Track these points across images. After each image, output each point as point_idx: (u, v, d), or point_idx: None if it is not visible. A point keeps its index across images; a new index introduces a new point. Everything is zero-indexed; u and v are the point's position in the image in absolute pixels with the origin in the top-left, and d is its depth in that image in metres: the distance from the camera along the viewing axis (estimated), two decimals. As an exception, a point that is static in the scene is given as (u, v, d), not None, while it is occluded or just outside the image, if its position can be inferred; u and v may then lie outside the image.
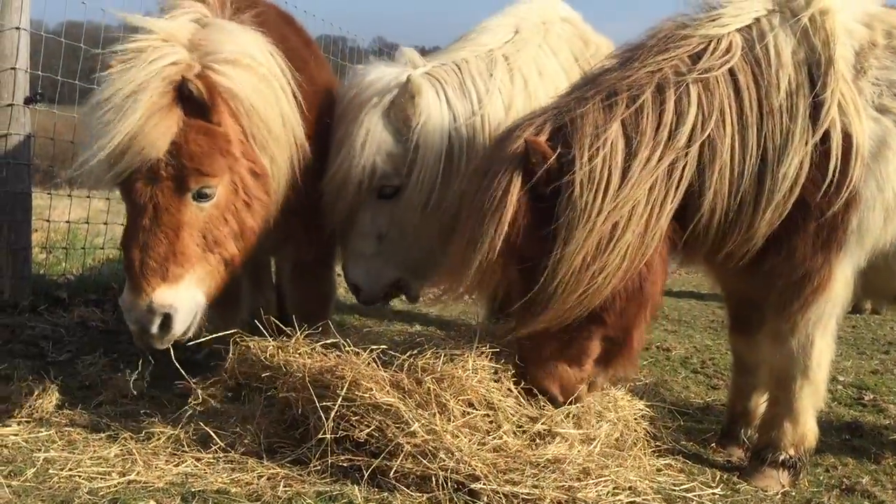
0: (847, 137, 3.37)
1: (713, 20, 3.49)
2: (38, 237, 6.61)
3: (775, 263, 3.51)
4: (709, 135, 3.31)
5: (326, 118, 4.42)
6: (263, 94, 3.82)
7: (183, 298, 3.49)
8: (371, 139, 4.14)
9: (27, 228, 5.75)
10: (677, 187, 3.31)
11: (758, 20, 3.48)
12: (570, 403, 3.46)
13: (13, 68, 5.50)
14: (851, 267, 3.59)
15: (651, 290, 3.45)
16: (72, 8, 6.07)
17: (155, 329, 3.43)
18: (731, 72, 3.37)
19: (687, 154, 3.30)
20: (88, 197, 6.94)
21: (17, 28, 5.48)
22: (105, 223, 7.08)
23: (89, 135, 3.46)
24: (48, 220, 6.55)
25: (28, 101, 5.62)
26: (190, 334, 3.62)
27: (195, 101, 3.48)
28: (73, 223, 6.96)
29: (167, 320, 3.45)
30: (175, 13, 3.79)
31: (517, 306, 3.37)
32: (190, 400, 3.64)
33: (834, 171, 3.35)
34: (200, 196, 3.54)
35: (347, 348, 3.37)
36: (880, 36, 3.60)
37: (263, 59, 3.87)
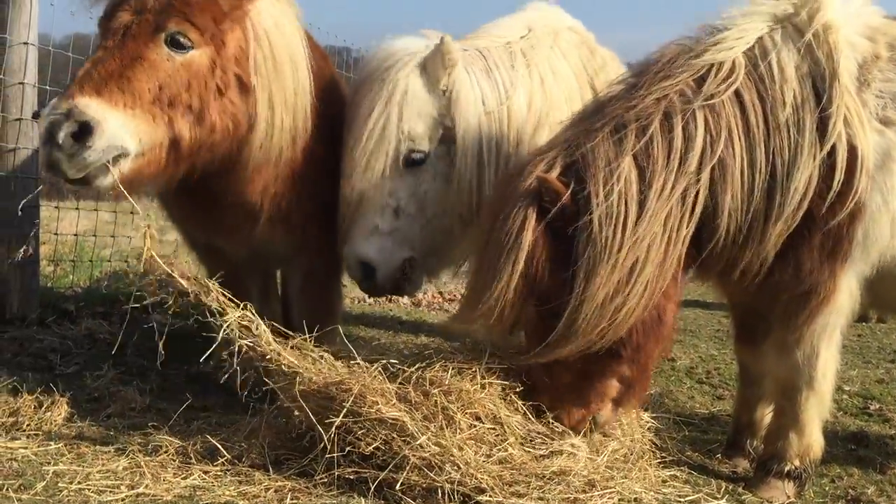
0: (852, 150, 3.39)
1: (717, 44, 3.48)
2: (46, 250, 6.65)
3: (782, 276, 3.52)
4: (719, 156, 3.31)
5: (339, 125, 4.44)
6: (281, 33, 3.87)
7: (110, 120, 3.24)
8: (409, 98, 4.00)
9: (35, 242, 5.78)
10: (692, 212, 3.32)
11: (760, 38, 3.49)
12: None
13: (21, 83, 5.54)
14: (856, 278, 3.60)
15: (668, 318, 3.45)
16: (79, 20, 6.11)
17: (64, 136, 3.14)
18: (737, 92, 3.39)
19: (699, 178, 3.30)
20: (96, 210, 6.98)
21: (26, 43, 5.53)
22: (112, 236, 7.12)
23: None
24: (56, 234, 6.59)
25: (36, 115, 5.65)
26: (103, 182, 3.35)
27: None
28: (80, 236, 6.99)
29: (83, 133, 3.19)
30: None
31: (533, 341, 3.37)
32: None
33: (840, 184, 3.37)
34: (174, 43, 3.48)
35: (355, 360, 3.38)
36: (883, 48, 3.62)
37: (289, 19, 3.97)
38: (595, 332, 3.21)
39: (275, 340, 3.43)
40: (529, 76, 4.40)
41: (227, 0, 3.62)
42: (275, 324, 3.63)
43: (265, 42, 3.80)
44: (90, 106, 3.20)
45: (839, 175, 3.36)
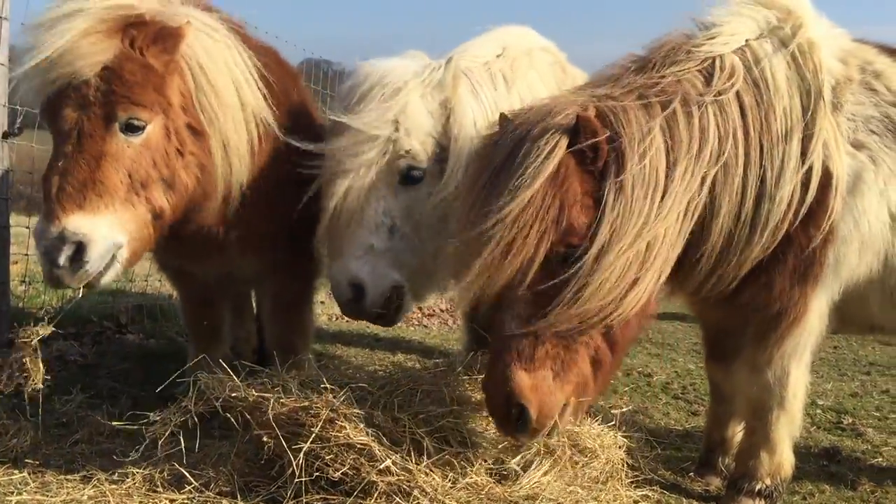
0: (827, 172, 3.42)
1: (713, 37, 3.49)
2: (18, 269, 6.57)
3: (753, 295, 3.53)
4: (726, 156, 3.28)
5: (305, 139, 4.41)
6: (215, 60, 3.80)
7: (99, 230, 3.33)
8: (411, 116, 3.89)
9: (5, 262, 5.71)
10: (695, 209, 3.26)
11: (749, 44, 3.50)
12: (542, 433, 3.15)
13: (-9, 103, 5.49)
14: (826, 300, 3.62)
15: (652, 310, 3.35)
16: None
17: (63, 260, 3.26)
18: (738, 93, 3.38)
19: (706, 174, 3.25)
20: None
21: (-4, 63, 5.48)
22: (85, 254, 7.04)
23: (22, 54, 3.43)
24: (27, 254, 6.51)
25: (6, 135, 5.61)
26: (106, 279, 3.48)
27: (138, 37, 3.47)
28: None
29: (79, 252, 3.30)
30: None
31: (536, 297, 3.04)
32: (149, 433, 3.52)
33: (812, 204, 3.39)
34: (129, 128, 3.46)
35: (323, 385, 3.35)
36: (855, 71, 3.66)
37: (221, 34, 3.88)
38: (609, 298, 3.01)
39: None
40: (509, 95, 4.36)
41: (159, 59, 3.56)
42: (244, 362, 3.67)
43: (202, 78, 3.75)
44: (77, 224, 3.27)
45: (811, 194, 3.38)
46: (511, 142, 3.14)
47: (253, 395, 3.38)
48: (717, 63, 3.42)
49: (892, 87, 3.63)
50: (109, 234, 3.38)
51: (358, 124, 3.84)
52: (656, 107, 3.24)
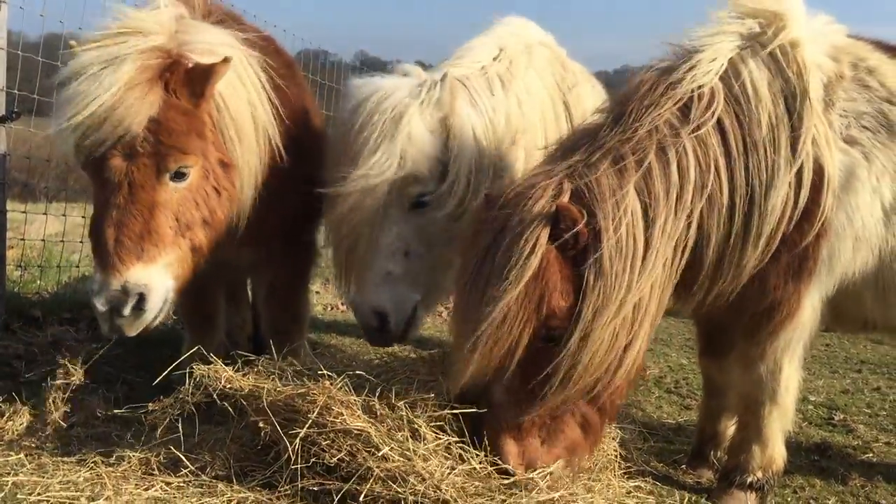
0: (820, 169, 3.43)
1: (692, 69, 3.44)
2: (14, 254, 6.57)
3: (747, 292, 3.54)
4: (710, 190, 3.29)
5: (304, 138, 4.44)
6: (236, 90, 3.83)
7: (157, 279, 3.47)
8: (413, 142, 3.89)
9: (2, 248, 5.71)
10: (684, 248, 3.29)
11: (731, 59, 3.48)
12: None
13: (-11, 87, 5.48)
14: (819, 295, 3.65)
15: (640, 359, 3.38)
16: (49, 23, 6.06)
17: (128, 311, 3.38)
18: (718, 119, 3.37)
19: (691, 213, 3.28)
20: (64, 215, 6.91)
21: (-6, 47, 5.47)
22: (81, 241, 7.05)
23: (60, 104, 3.41)
24: (23, 238, 6.51)
25: (3, 119, 5.60)
26: (157, 322, 3.59)
27: (177, 82, 3.49)
28: (48, 240, 6.92)
29: (141, 302, 3.42)
30: (156, 7, 3.77)
31: (525, 380, 3.17)
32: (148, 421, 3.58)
33: (806, 202, 3.40)
34: (177, 176, 3.53)
35: (320, 372, 3.37)
36: (847, 68, 3.67)
37: (238, 57, 3.88)
38: (598, 373, 3.13)
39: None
40: (506, 98, 4.37)
41: (197, 102, 3.59)
42: (239, 352, 3.73)
43: (225, 111, 3.78)
44: (138, 276, 3.40)
45: (805, 193, 3.39)
46: (491, 234, 3.22)
47: (250, 384, 3.40)
48: (696, 95, 3.39)
49: (886, 83, 3.65)
50: (164, 280, 3.52)
51: (365, 170, 3.85)
52: (630, 168, 3.25)
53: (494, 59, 4.57)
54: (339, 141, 4.11)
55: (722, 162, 3.33)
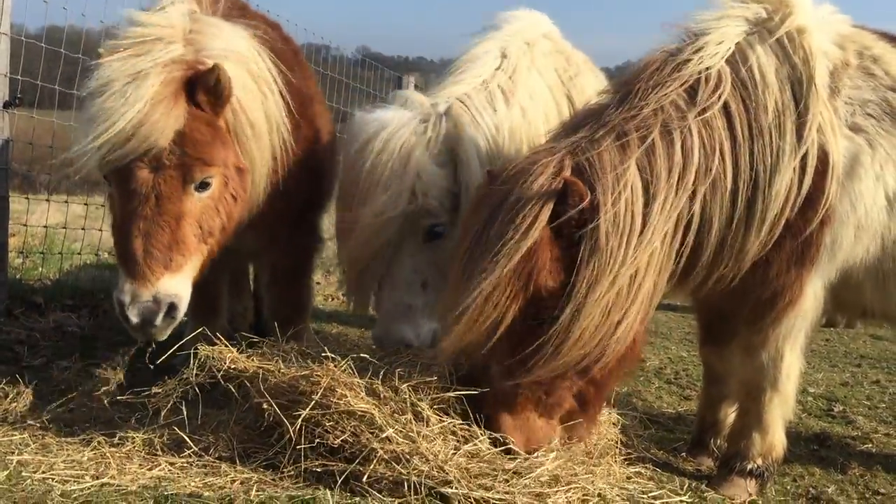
0: (824, 156, 3.44)
1: (699, 50, 3.45)
2: (16, 242, 6.58)
3: (750, 279, 3.55)
4: (714, 174, 3.30)
5: (310, 126, 4.45)
6: (251, 92, 3.86)
7: (184, 286, 3.57)
8: (423, 177, 3.94)
9: (3, 232, 5.72)
10: (686, 229, 3.30)
11: (738, 43, 3.49)
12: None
13: (-7, 72, 5.49)
14: (822, 282, 3.66)
15: (639, 339, 3.41)
16: (53, 12, 6.09)
17: (160, 320, 3.46)
18: (724, 102, 3.37)
19: (694, 195, 3.28)
20: (66, 202, 6.92)
21: (-2, 32, 5.47)
22: (83, 228, 7.06)
23: (85, 121, 3.43)
24: (25, 225, 6.52)
25: (7, 105, 5.61)
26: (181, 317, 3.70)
27: (199, 92, 3.53)
28: (50, 228, 6.94)
29: (171, 310, 3.51)
30: (166, 5, 3.80)
31: (513, 354, 3.19)
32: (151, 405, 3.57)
33: (810, 189, 3.41)
34: (201, 186, 3.58)
35: (324, 354, 3.38)
36: (852, 56, 3.68)
37: (252, 57, 3.91)
38: (589, 347, 3.13)
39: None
40: (510, 111, 4.39)
41: (217, 110, 3.64)
42: (243, 334, 3.74)
43: (241, 114, 3.81)
44: (167, 285, 3.49)
45: (808, 180, 3.39)
46: (489, 209, 3.23)
47: (254, 364, 3.42)
48: (703, 77, 3.39)
49: (891, 72, 3.66)
50: (189, 285, 3.62)
51: (378, 208, 3.90)
52: (633, 144, 3.25)
53: (497, 68, 4.60)
54: (349, 179, 4.14)
55: (727, 146, 3.33)
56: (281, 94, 4.05)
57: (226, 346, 3.56)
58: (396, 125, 4.04)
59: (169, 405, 3.43)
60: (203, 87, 3.55)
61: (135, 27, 3.58)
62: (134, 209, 3.46)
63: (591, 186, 3.16)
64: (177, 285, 3.51)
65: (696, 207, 3.30)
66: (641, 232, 3.17)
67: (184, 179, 3.52)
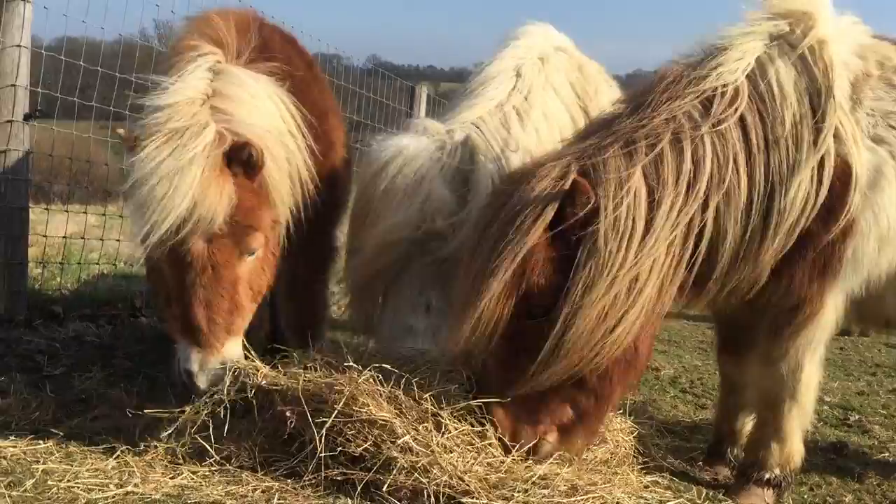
0: (847, 167, 3.43)
1: (718, 66, 3.46)
2: (34, 252, 6.65)
3: (770, 289, 3.55)
4: (727, 185, 3.29)
5: (326, 141, 4.50)
6: (278, 159, 3.96)
7: (241, 345, 3.70)
8: (434, 201, 3.99)
9: (24, 243, 5.80)
10: (697, 240, 3.29)
11: (758, 57, 3.49)
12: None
13: (13, 85, 5.57)
14: (843, 294, 3.65)
15: (644, 351, 3.40)
16: (71, 24, 6.19)
17: (227, 382, 3.53)
18: (741, 116, 3.37)
19: (706, 206, 3.27)
20: (84, 213, 6.99)
21: (18, 46, 5.56)
22: (100, 239, 7.13)
23: (137, 208, 3.52)
24: (44, 236, 6.59)
25: (27, 117, 5.69)
26: None
27: (241, 164, 3.64)
28: (68, 238, 7.01)
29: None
30: (191, 60, 3.87)
31: (514, 360, 3.24)
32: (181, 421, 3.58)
33: (827, 198, 3.40)
34: (252, 252, 3.71)
35: (348, 364, 3.41)
36: (873, 67, 3.68)
37: (278, 124, 4.02)
38: (584, 351, 3.13)
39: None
40: (524, 132, 4.41)
41: (256, 178, 3.76)
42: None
43: (273, 171, 3.90)
44: (231, 350, 3.63)
45: (825, 190, 3.38)
46: (492, 210, 3.29)
47: (282, 377, 3.44)
48: (720, 92, 3.40)
49: None
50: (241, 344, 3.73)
51: (388, 227, 3.96)
52: (641, 151, 3.27)
53: (512, 89, 4.64)
54: (363, 201, 4.20)
55: (742, 157, 3.33)
56: (302, 132, 4.14)
57: (258, 361, 3.61)
58: (413, 151, 4.10)
59: (198, 422, 3.45)
60: (239, 160, 3.65)
61: (161, 113, 3.63)
62: (192, 280, 3.55)
63: (594, 190, 3.18)
64: (237, 347, 3.65)
65: (709, 217, 3.29)
66: (643, 238, 3.17)
67: (240, 250, 3.65)
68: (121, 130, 3.74)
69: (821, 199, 3.39)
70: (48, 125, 6.31)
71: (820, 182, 3.40)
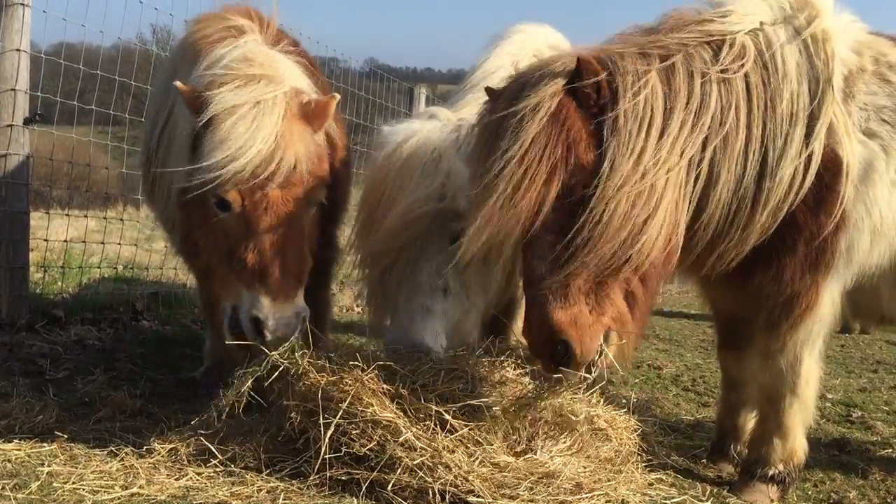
0: (837, 159, 3.45)
1: (725, 16, 3.50)
2: (35, 256, 6.66)
3: (764, 282, 3.56)
4: (727, 128, 3.30)
5: (331, 139, 4.51)
6: None
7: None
8: (453, 178, 3.94)
9: (25, 247, 5.80)
10: (695, 179, 3.29)
11: (763, 27, 3.50)
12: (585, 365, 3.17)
13: (13, 89, 5.58)
14: (839, 288, 3.66)
15: (672, 256, 3.32)
16: (69, 29, 6.23)
17: (298, 333, 3.51)
18: (746, 73, 3.38)
19: (707, 141, 3.27)
20: (85, 217, 7.00)
21: (18, 50, 5.57)
22: (101, 243, 7.14)
23: (215, 142, 3.46)
24: (45, 240, 6.60)
25: (27, 121, 5.69)
26: None
27: (310, 119, 3.68)
28: (69, 242, 7.02)
29: (304, 322, 3.61)
30: (243, 42, 3.89)
31: (547, 246, 3.10)
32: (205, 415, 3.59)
33: (826, 192, 3.42)
34: (318, 201, 3.75)
35: (353, 363, 3.41)
36: (868, 62, 3.69)
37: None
38: (620, 238, 3.06)
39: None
40: None
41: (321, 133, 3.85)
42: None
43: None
44: (302, 300, 3.65)
45: (811, 176, 3.39)
46: (511, 93, 3.21)
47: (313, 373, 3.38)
48: (727, 41, 3.41)
49: None
50: None
51: (407, 205, 3.91)
52: (655, 59, 3.28)
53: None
54: (376, 183, 4.12)
55: (743, 110, 3.34)
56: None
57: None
58: (428, 132, 4.10)
59: (230, 405, 3.45)
60: (313, 114, 3.69)
61: (235, 63, 3.66)
62: (268, 226, 3.53)
63: (611, 76, 3.17)
64: (303, 299, 3.63)
65: (707, 158, 3.28)
66: (661, 136, 3.17)
67: (308, 198, 3.65)
68: (178, 83, 3.64)
69: (807, 184, 3.40)
70: (48, 129, 6.31)
71: (807, 168, 3.40)
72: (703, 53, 3.38)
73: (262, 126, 3.45)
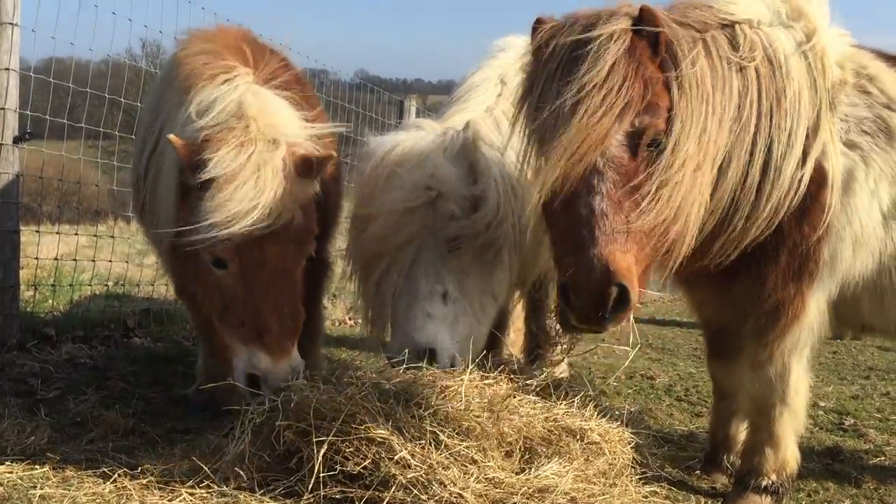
0: (823, 171, 3.49)
1: (731, 3, 3.53)
2: (25, 274, 6.63)
3: (746, 287, 3.59)
4: (745, 114, 3.34)
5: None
6: None
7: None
8: (442, 179, 3.97)
9: (15, 266, 5.78)
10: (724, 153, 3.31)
11: (762, 27, 3.54)
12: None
13: (2, 108, 5.57)
14: (825, 297, 3.69)
15: (693, 229, 3.26)
16: (58, 46, 6.19)
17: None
18: (756, 67, 3.42)
19: (731, 125, 3.31)
20: (76, 234, 6.98)
21: (7, 69, 5.55)
22: (92, 260, 7.11)
23: (215, 202, 3.50)
24: (36, 258, 6.57)
25: (17, 140, 5.68)
26: None
27: (305, 173, 3.72)
28: (59, 260, 6.99)
29: (299, 375, 3.66)
30: (231, 90, 3.85)
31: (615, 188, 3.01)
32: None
33: (810, 202, 3.46)
34: (309, 255, 3.80)
35: (346, 380, 3.41)
36: (849, 74, 3.74)
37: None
38: (680, 197, 3.05)
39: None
40: (513, 135, 4.44)
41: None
42: None
43: None
44: (296, 353, 3.73)
45: (803, 187, 3.44)
46: (585, 21, 3.15)
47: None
48: (740, 32, 3.45)
49: (886, 90, 3.73)
50: None
51: (394, 201, 3.94)
52: (693, 30, 3.31)
53: (499, 95, 4.71)
54: (366, 189, 4.15)
55: (755, 98, 3.38)
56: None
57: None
58: (413, 140, 4.13)
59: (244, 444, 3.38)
60: (308, 169, 3.73)
61: (233, 119, 3.68)
62: (266, 282, 3.59)
63: (668, 37, 3.17)
64: (296, 352, 3.70)
65: (728, 143, 3.32)
66: (720, 119, 3.22)
67: (302, 252, 3.73)
68: (172, 136, 3.66)
69: (802, 189, 3.44)
70: (38, 146, 6.30)
71: (802, 179, 3.44)
72: (723, 42, 3.42)
73: (263, 190, 3.52)
